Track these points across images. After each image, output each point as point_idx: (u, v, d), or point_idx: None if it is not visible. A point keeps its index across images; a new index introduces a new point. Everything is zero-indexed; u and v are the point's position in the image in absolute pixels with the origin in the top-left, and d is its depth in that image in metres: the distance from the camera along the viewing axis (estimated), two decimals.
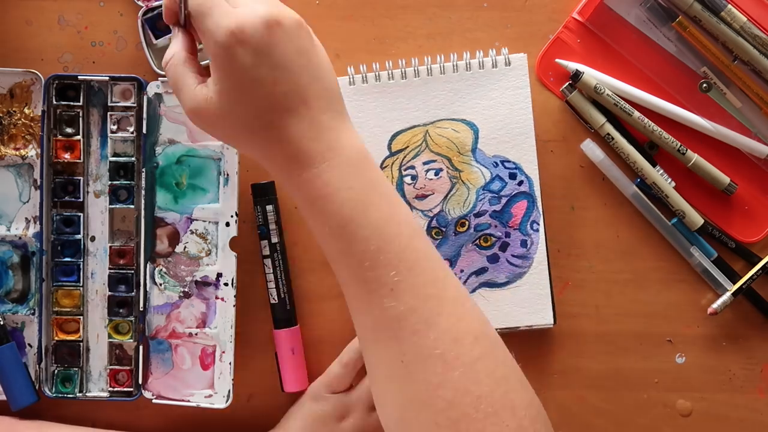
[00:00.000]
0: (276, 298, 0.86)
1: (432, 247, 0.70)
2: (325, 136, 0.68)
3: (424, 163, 0.86)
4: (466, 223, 0.85)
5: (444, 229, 0.86)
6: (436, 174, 0.85)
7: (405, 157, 0.86)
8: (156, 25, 0.86)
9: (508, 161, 0.86)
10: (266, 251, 0.86)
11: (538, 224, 0.85)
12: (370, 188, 0.69)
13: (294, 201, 0.70)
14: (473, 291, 0.85)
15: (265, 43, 0.67)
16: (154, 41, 0.86)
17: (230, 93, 0.67)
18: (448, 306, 0.68)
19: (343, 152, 0.68)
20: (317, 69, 0.69)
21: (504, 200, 0.85)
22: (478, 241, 0.85)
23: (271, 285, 0.86)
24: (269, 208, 0.86)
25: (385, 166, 0.85)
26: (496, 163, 0.86)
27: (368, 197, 0.68)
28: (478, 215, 0.85)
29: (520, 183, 0.86)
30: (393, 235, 0.68)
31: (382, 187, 0.69)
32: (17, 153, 0.85)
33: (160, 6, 0.85)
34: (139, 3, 0.85)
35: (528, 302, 0.85)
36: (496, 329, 0.84)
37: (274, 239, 0.86)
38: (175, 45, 0.72)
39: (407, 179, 0.85)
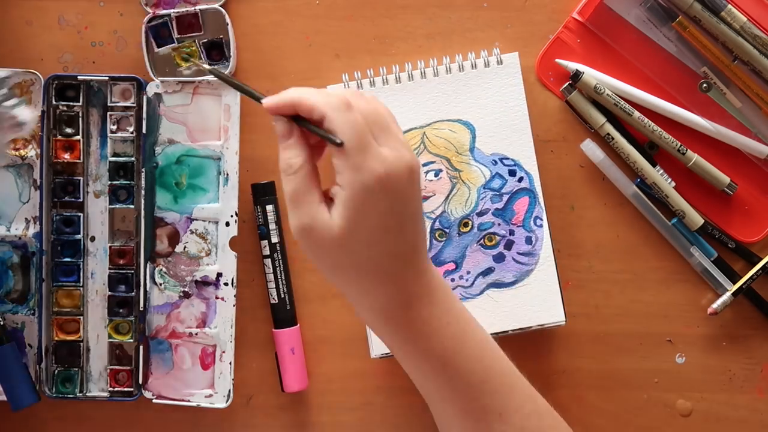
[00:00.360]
0: (276, 298, 0.86)
1: (507, 360, 0.72)
2: (425, 277, 0.69)
3: (424, 165, 0.85)
4: (470, 222, 0.85)
5: (447, 231, 0.85)
6: (436, 175, 0.85)
7: None
8: (159, 33, 0.86)
9: (507, 158, 0.86)
10: (266, 251, 0.86)
11: (542, 219, 0.85)
12: (462, 321, 0.70)
13: (385, 341, 0.71)
14: (481, 293, 0.85)
15: (404, 193, 0.66)
16: (156, 49, 0.86)
17: (355, 233, 0.66)
18: (546, 418, 0.71)
19: (438, 290, 0.69)
20: (422, 211, 0.70)
21: (505, 197, 0.85)
22: (482, 240, 0.85)
23: (271, 285, 0.86)
24: (269, 208, 0.86)
25: None
26: (495, 161, 0.86)
27: (463, 330, 0.70)
28: (480, 214, 0.85)
29: (521, 179, 0.86)
30: (491, 361, 0.70)
31: (466, 315, 0.71)
32: (17, 153, 0.85)
33: (167, 15, 0.85)
34: (147, 9, 0.85)
35: (537, 301, 0.85)
36: (508, 331, 0.85)
37: (274, 239, 0.86)
38: (300, 154, 0.67)
39: None
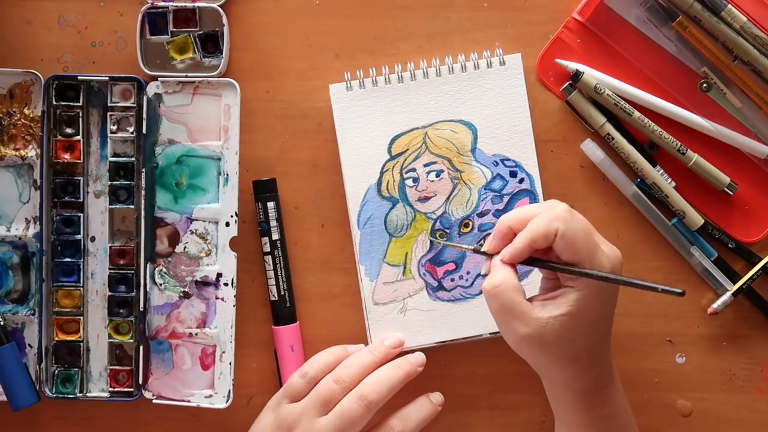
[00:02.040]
0: (276, 295, 0.86)
1: None
2: (611, 360, 0.78)
3: (425, 165, 0.86)
4: (470, 223, 0.85)
5: (448, 231, 0.86)
6: (437, 175, 0.85)
7: (405, 160, 0.86)
8: (155, 22, 0.86)
9: (508, 159, 0.86)
10: (267, 248, 0.86)
11: None
12: (629, 409, 0.80)
13: (570, 418, 0.79)
14: (480, 293, 0.85)
15: (617, 285, 0.75)
16: (148, 36, 0.86)
17: (578, 326, 0.73)
18: None
19: (616, 375, 0.79)
20: None
21: (506, 199, 0.85)
22: (482, 241, 0.85)
23: (271, 282, 0.86)
24: (270, 204, 0.86)
25: (386, 170, 0.86)
26: (496, 162, 0.86)
27: (632, 417, 0.80)
28: (481, 215, 0.85)
29: (521, 181, 0.86)
30: None
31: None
32: (17, 153, 0.85)
33: (165, 8, 0.85)
34: None
35: None
36: None
37: (275, 236, 0.86)
38: (503, 273, 0.75)
39: (408, 182, 0.85)
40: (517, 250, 0.74)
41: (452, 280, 0.86)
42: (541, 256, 0.75)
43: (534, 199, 0.85)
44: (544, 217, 0.73)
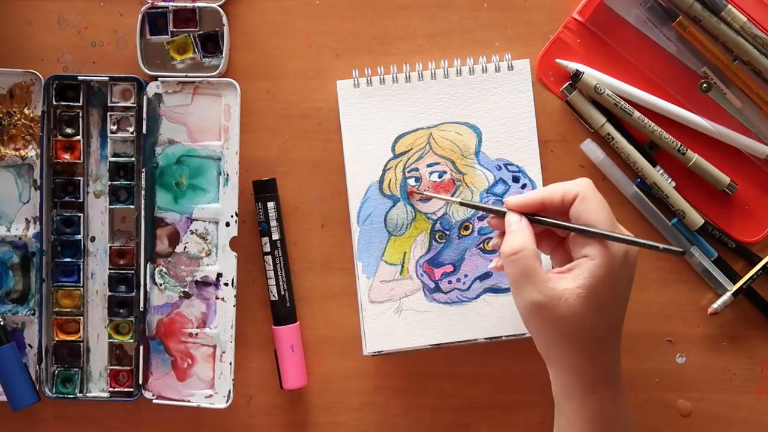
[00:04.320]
0: (276, 295, 0.86)
1: None
2: (620, 356, 0.75)
3: (428, 166, 0.86)
4: (470, 226, 0.85)
5: (448, 233, 0.85)
6: (440, 176, 0.85)
7: (409, 159, 0.86)
8: (156, 22, 0.86)
9: (512, 164, 0.86)
10: (267, 248, 0.86)
11: None
12: (632, 414, 0.77)
13: (566, 413, 0.75)
14: (477, 297, 0.85)
15: (636, 264, 0.74)
16: (148, 36, 0.86)
17: (592, 303, 0.71)
18: None
19: (621, 378, 0.75)
20: None
21: None
22: (482, 245, 0.85)
23: (272, 282, 0.86)
24: (270, 204, 0.86)
25: (389, 168, 0.86)
26: (500, 166, 0.86)
27: (633, 423, 0.77)
28: (482, 218, 0.85)
29: (524, 186, 0.85)
30: None
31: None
32: (17, 153, 0.85)
33: (165, 8, 0.85)
34: None
35: None
36: (502, 336, 0.85)
37: (275, 236, 0.86)
38: (523, 236, 0.74)
39: (411, 181, 0.85)
40: (527, 198, 0.75)
41: (449, 282, 0.85)
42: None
43: None
44: (566, 182, 0.74)
